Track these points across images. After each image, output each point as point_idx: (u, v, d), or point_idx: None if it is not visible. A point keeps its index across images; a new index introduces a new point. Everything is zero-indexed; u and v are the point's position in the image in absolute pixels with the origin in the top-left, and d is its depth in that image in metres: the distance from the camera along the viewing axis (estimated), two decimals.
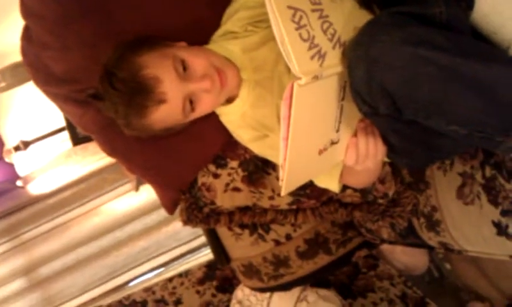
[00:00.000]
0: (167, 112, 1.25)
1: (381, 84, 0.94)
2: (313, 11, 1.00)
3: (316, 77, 0.95)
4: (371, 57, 0.93)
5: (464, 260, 2.23)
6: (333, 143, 1.14)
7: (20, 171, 3.35)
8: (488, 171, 1.30)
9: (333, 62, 1.02)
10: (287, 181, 1.06)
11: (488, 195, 1.31)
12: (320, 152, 1.11)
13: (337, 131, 1.13)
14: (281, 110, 0.97)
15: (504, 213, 1.28)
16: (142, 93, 1.20)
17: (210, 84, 1.25)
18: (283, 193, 1.09)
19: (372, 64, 0.93)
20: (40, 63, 1.51)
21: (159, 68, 1.22)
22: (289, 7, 0.94)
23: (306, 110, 0.99)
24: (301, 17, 0.96)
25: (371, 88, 0.95)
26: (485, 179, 1.31)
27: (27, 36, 1.53)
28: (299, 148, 1.02)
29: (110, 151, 1.65)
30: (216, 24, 1.46)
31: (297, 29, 0.95)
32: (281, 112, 0.97)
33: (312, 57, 0.96)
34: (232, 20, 1.41)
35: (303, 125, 0.99)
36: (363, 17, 1.11)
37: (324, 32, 1.01)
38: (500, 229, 1.31)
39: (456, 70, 0.89)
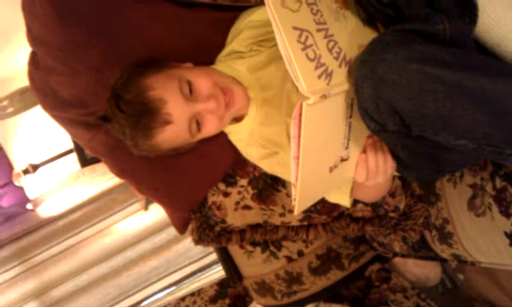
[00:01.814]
0: (173, 133, 1.26)
1: (388, 102, 0.94)
2: (318, 30, 1.01)
3: (324, 96, 0.95)
4: (377, 76, 0.93)
5: (478, 270, 2.21)
6: (342, 160, 1.14)
7: (30, 194, 3.36)
8: (498, 182, 1.29)
9: (340, 80, 1.02)
10: (300, 200, 1.06)
11: (499, 206, 1.31)
12: (331, 170, 1.11)
13: (346, 148, 1.13)
14: (290, 129, 0.97)
15: None
16: (147, 115, 1.21)
17: (215, 104, 1.25)
18: (296, 212, 1.09)
19: (379, 83, 0.93)
20: (48, 88, 1.52)
21: (165, 89, 1.22)
22: (295, 28, 0.95)
23: (316, 129, 1.00)
24: (306, 37, 0.97)
25: (379, 106, 0.95)
26: (495, 190, 1.31)
27: (34, 62, 1.54)
28: (310, 167, 1.03)
29: (119, 173, 1.66)
30: (221, 44, 1.47)
31: (303, 49, 0.95)
32: (290, 132, 0.98)
33: (319, 76, 0.97)
34: (237, 39, 1.42)
35: (313, 143, 1.00)
36: (367, 35, 1.12)
37: (330, 51, 1.02)
38: None
39: (462, 86, 0.88)
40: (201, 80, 1.27)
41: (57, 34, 1.39)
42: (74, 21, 1.37)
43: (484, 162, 1.35)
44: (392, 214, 1.63)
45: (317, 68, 0.97)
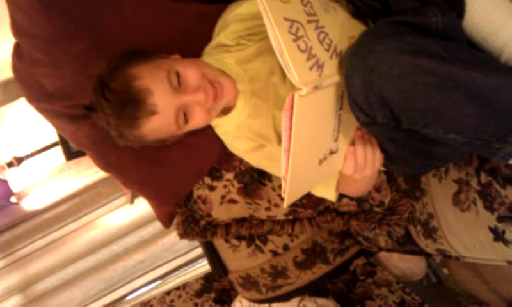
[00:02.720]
0: (159, 124, 1.24)
1: (378, 93, 0.94)
2: (309, 22, 1.01)
3: (316, 87, 0.95)
4: (368, 67, 0.93)
5: (462, 265, 2.23)
6: (332, 153, 1.14)
7: (14, 187, 3.34)
8: (484, 178, 1.30)
9: (331, 72, 1.02)
10: (290, 192, 1.06)
11: (484, 201, 1.31)
12: (320, 162, 1.11)
13: (336, 140, 1.13)
14: (282, 121, 0.97)
15: (500, 219, 1.28)
16: (132, 105, 1.19)
17: (203, 96, 1.24)
18: (285, 204, 1.09)
19: (370, 74, 0.93)
20: (32, 80, 1.51)
21: (152, 79, 1.20)
22: (286, 19, 0.95)
23: (307, 121, 1.00)
24: (298, 29, 0.96)
25: (369, 98, 0.95)
26: (480, 185, 1.32)
27: (18, 53, 1.53)
28: (300, 159, 1.03)
29: (104, 167, 1.64)
30: (207, 36, 1.46)
31: (295, 40, 0.95)
32: (282, 124, 0.97)
33: (311, 68, 0.97)
34: (224, 33, 1.41)
35: (303, 135, 1.00)
36: (356, 27, 1.13)
37: (321, 42, 1.02)
38: (497, 235, 1.31)
39: (454, 79, 0.89)
40: (190, 71, 1.26)
41: (42, 25, 1.37)
42: (59, 13, 1.36)
43: (469, 157, 1.36)
44: (377, 209, 1.64)
45: (308, 59, 0.97)
